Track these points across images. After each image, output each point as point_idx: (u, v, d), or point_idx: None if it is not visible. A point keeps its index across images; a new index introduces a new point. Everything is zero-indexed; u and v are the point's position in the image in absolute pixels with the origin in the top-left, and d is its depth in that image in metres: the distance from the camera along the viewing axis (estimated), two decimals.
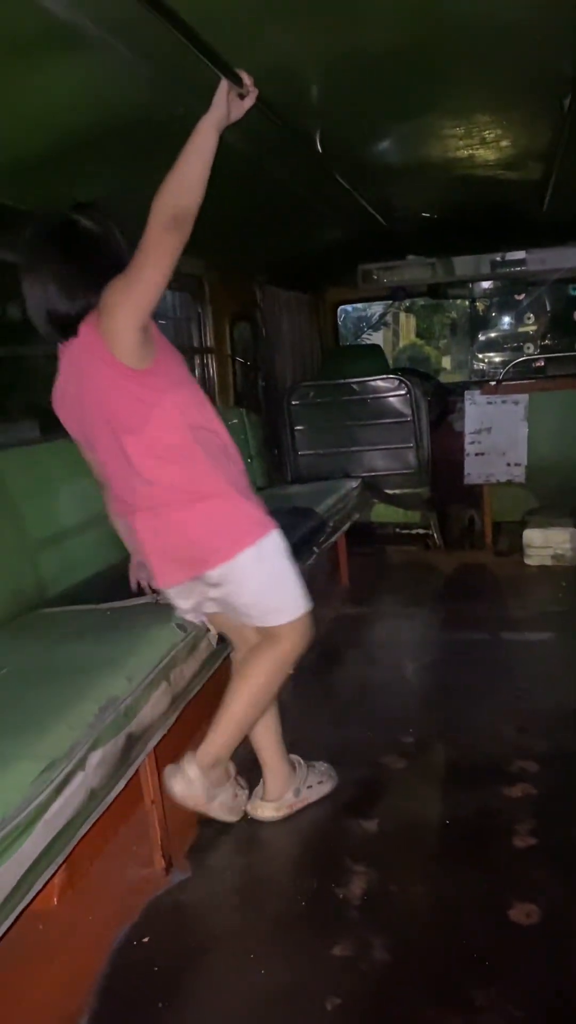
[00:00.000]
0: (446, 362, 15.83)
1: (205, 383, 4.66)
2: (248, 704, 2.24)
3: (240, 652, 2.43)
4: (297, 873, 2.19)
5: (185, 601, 2.24)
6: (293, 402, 5.33)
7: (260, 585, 2.17)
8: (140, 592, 2.40)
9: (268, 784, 2.43)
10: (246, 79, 1.88)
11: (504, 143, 3.08)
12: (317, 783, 2.52)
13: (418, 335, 17.34)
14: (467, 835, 2.29)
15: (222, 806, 2.31)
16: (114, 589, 2.62)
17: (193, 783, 2.18)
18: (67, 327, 2.00)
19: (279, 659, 2.24)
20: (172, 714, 2.15)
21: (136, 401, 1.98)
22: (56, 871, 1.66)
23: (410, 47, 2.09)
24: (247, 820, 2.43)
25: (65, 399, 2.12)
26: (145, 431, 2.00)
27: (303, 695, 3.33)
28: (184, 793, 2.18)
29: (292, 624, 2.22)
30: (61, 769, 1.62)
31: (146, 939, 1.99)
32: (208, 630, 2.39)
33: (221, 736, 2.21)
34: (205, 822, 2.44)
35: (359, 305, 10.60)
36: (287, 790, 2.44)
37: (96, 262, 1.95)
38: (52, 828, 1.57)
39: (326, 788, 2.53)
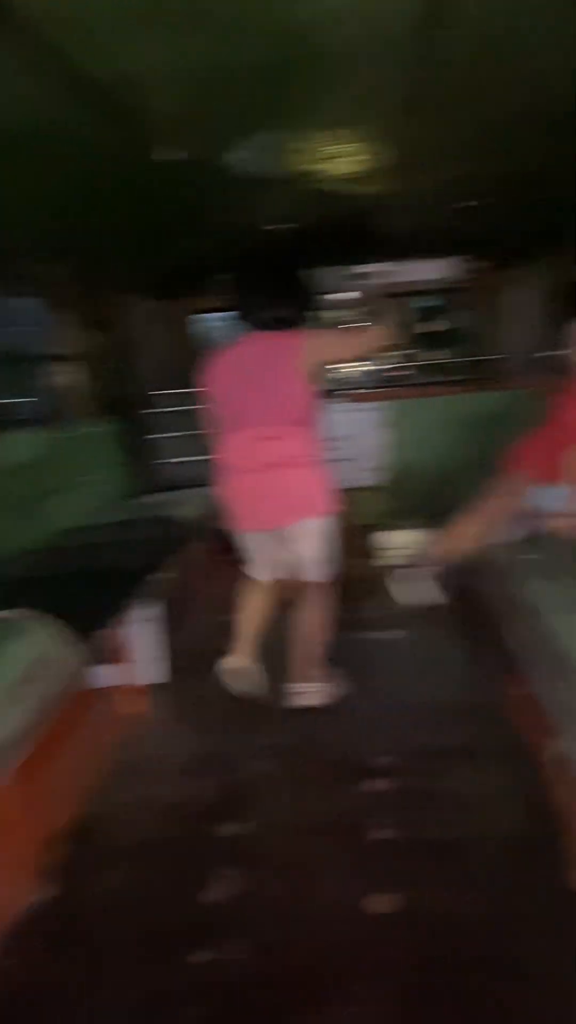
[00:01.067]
0: None
1: (65, 391, 4.56)
2: (322, 632, 3.18)
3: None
4: (161, 884, 2.18)
5: (264, 554, 3.22)
6: (154, 410, 5.30)
7: (322, 544, 3.06)
8: None
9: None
10: None
11: (350, 159, 3.18)
12: None
13: None
14: (330, 831, 2.35)
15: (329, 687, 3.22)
16: None
17: (320, 688, 3.18)
18: (280, 324, 2.96)
19: (326, 604, 3.16)
20: (30, 731, 2.10)
21: (308, 407, 2.96)
22: None
23: (252, 62, 2.13)
24: (111, 834, 2.41)
25: (236, 370, 2.98)
26: (305, 425, 2.97)
27: (172, 705, 3.33)
28: (323, 695, 3.17)
29: (328, 581, 3.12)
30: None
31: (9, 963, 1.93)
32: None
33: (314, 657, 3.17)
34: (66, 840, 2.40)
35: (224, 313, 10.67)
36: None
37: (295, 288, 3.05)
38: None
39: None
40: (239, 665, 3.25)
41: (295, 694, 3.16)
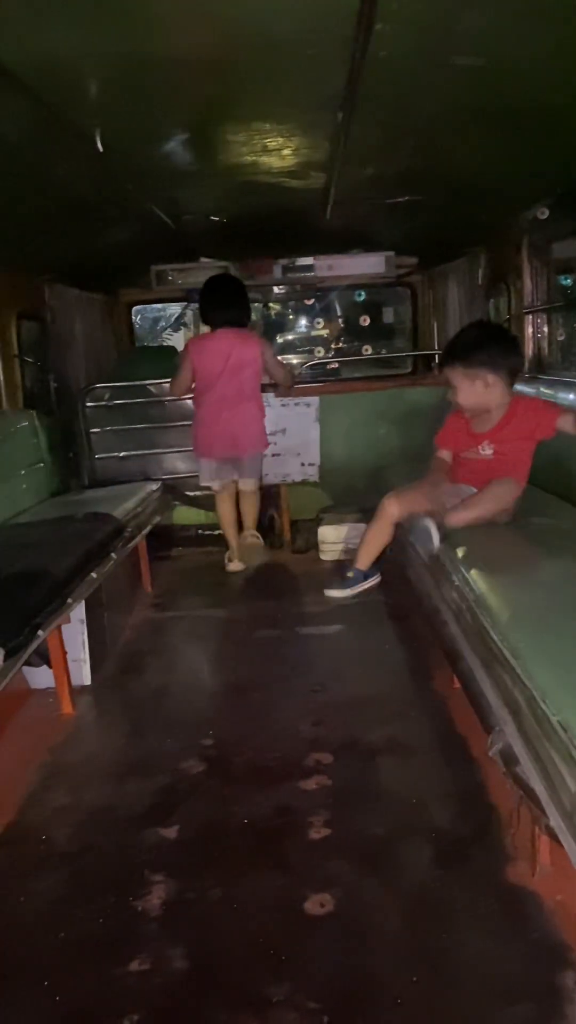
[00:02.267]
0: None
1: None
2: (256, 509, 4.97)
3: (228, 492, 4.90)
4: (93, 892, 2.13)
5: (221, 472, 4.78)
6: (88, 404, 5.20)
7: (259, 465, 4.91)
8: None
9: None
10: None
11: (286, 152, 3.14)
12: None
13: None
14: (265, 833, 2.33)
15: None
16: None
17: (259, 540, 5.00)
18: (237, 323, 4.67)
19: (257, 499, 4.98)
20: None
21: (259, 380, 4.71)
22: None
23: (190, 53, 2.08)
24: (42, 841, 2.36)
25: (216, 353, 4.58)
26: (258, 390, 4.74)
27: (105, 706, 3.27)
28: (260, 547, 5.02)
29: (257, 486, 4.97)
30: None
31: None
32: None
33: (253, 523, 4.99)
34: (1, 846, 2.34)
35: (157, 305, 10.53)
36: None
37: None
38: None
39: None
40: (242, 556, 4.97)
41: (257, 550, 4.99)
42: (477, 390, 3.12)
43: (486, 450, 3.21)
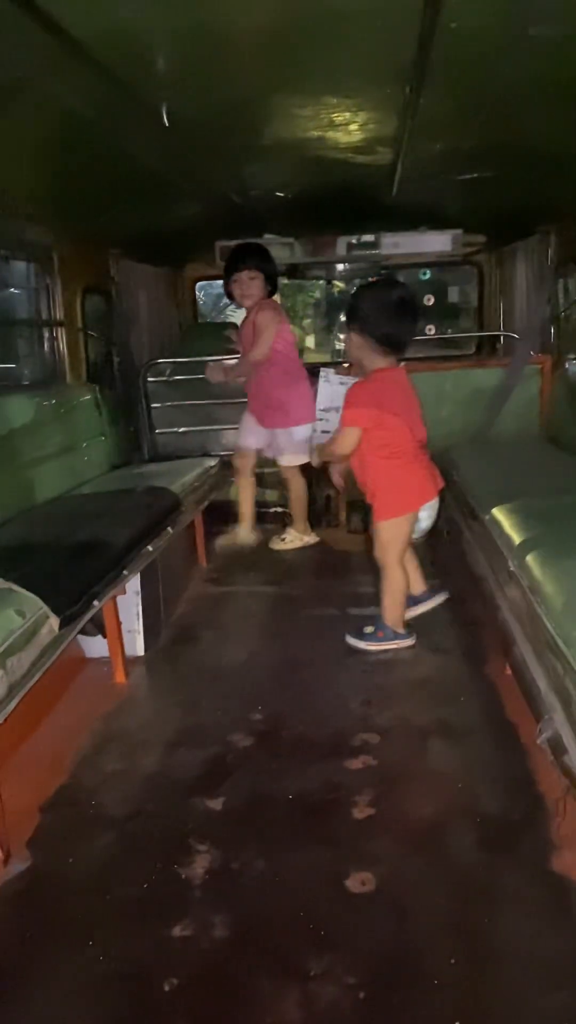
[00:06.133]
0: (310, 341, 15.95)
1: (54, 357, 4.50)
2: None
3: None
4: (140, 857, 2.18)
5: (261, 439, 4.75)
6: (150, 379, 5.25)
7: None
8: None
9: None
10: None
11: (353, 127, 3.10)
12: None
13: None
14: (309, 809, 2.35)
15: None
16: None
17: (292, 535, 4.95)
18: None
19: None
20: (9, 703, 2.09)
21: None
22: None
23: (257, 25, 2.07)
24: (92, 805, 2.41)
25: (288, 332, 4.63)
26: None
27: (157, 677, 3.33)
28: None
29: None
30: None
31: None
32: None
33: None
34: (46, 810, 2.40)
35: (221, 281, 10.54)
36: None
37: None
38: None
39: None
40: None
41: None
42: (349, 345, 3.23)
43: None
